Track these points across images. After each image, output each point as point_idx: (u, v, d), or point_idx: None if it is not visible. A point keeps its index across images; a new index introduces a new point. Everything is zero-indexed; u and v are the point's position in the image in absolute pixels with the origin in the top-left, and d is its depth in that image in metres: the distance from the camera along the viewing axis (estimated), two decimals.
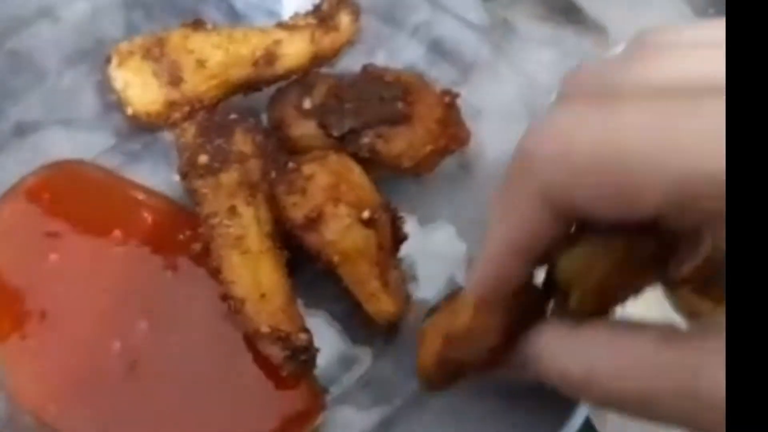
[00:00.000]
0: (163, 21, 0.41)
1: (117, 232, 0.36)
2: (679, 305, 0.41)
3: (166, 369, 0.33)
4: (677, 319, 0.41)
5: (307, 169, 0.34)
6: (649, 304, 0.41)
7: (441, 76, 0.42)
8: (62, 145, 0.38)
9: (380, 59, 0.42)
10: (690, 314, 0.41)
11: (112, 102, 0.39)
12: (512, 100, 0.42)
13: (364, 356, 0.36)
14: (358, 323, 0.36)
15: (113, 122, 0.39)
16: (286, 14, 0.42)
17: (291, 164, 0.34)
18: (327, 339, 0.36)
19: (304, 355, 0.32)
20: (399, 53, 0.43)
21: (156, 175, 0.38)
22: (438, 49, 0.44)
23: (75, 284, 0.35)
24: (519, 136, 0.23)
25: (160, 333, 0.34)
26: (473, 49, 0.43)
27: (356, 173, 0.35)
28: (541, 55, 0.52)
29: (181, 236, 0.35)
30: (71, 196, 0.37)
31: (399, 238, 0.36)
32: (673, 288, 0.41)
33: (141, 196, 0.37)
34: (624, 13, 0.54)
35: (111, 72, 0.37)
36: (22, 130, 0.38)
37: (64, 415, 0.32)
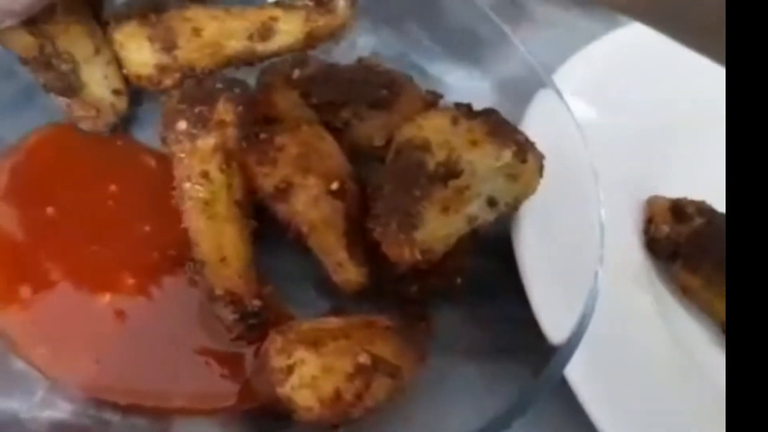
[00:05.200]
0: None
1: (113, 187, 0.37)
2: (672, 280, 0.42)
3: (151, 319, 0.34)
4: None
5: (279, 140, 0.34)
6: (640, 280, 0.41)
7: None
8: None
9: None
10: (682, 288, 0.42)
11: None
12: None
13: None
14: (330, 291, 0.36)
15: None
16: None
17: (263, 135, 0.35)
18: (303, 305, 0.36)
19: (253, 319, 0.32)
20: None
21: (156, 139, 0.38)
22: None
23: (69, 236, 0.36)
24: None
25: (145, 286, 0.35)
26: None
27: (327, 142, 0.35)
28: (548, 34, 0.51)
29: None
30: (71, 152, 0.38)
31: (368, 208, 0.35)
32: (666, 263, 0.42)
33: (138, 155, 0.39)
34: None
35: (109, 33, 0.38)
36: (31, 93, 0.40)
37: (54, 359, 0.33)
